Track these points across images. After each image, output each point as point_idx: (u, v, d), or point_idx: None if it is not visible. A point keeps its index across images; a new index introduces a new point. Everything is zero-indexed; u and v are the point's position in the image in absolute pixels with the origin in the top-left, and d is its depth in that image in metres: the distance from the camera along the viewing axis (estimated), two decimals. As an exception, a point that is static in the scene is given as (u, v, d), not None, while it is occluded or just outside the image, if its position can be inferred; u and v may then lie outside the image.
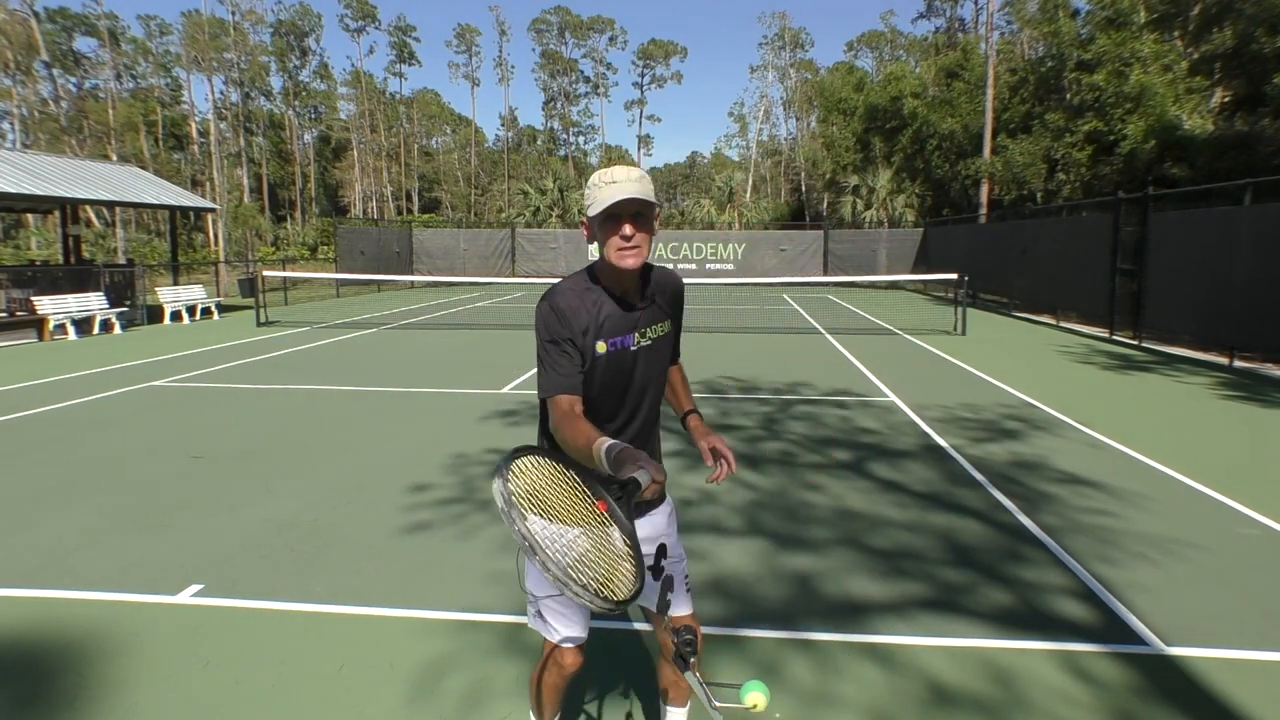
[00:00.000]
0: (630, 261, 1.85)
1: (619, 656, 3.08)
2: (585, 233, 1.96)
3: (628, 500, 1.47)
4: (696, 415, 2.18)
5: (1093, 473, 5.51)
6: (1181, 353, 11.42)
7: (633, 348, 1.94)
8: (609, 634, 3.24)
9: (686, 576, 2.15)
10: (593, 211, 1.85)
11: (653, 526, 2.06)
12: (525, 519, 1.37)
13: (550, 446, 1.92)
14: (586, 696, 2.80)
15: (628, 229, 1.82)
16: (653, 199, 1.85)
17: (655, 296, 2.01)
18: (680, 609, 2.12)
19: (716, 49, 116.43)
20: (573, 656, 2.11)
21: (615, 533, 1.44)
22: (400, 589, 3.68)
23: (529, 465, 1.45)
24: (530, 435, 6.63)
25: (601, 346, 1.89)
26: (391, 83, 74.75)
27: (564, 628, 2.05)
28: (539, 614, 2.07)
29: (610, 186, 1.81)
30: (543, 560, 1.35)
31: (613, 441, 1.64)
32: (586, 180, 1.93)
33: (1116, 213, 13.60)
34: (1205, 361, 10.67)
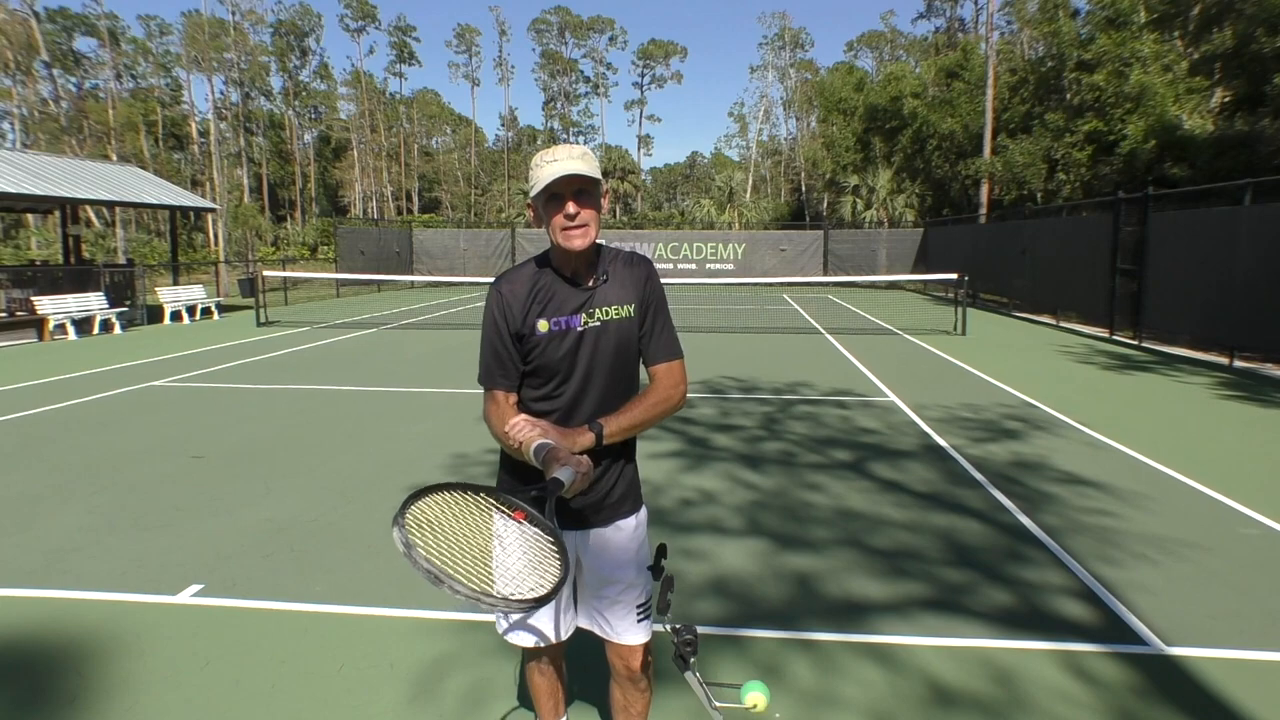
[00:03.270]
0: (577, 242, 1.79)
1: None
2: (531, 215, 1.91)
3: (549, 499, 1.54)
4: (590, 428, 1.82)
5: (1093, 473, 5.51)
6: (1181, 353, 11.41)
7: (578, 328, 1.86)
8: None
9: (639, 605, 2.00)
10: (534, 192, 1.80)
11: (613, 549, 1.96)
12: (423, 557, 1.47)
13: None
14: (587, 696, 2.80)
15: (571, 207, 1.77)
16: (595, 174, 1.78)
17: (614, 277, 1.90)
18: (631, 638, 2.00)
19: (716, 49, 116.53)
20: (533, 657, 2.11)
21: (536, 532, 1.51)
22: (400, 589, 3.68)
23: (424, 506, 1.54)
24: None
25: (544, 325, 1.85)
26: (391, 83, 74.88)
27: (520, 629, 2.05)
28: (503, 615, 2.06)
29: (550, 165, 1.77)
30: (449, 586, 1.45)
31: (542, 441, 1.69)
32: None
33: (1116, 213, 13.60)
34: (1205, 361, 10.67)
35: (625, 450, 1.98)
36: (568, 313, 1.86)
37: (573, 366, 1.87)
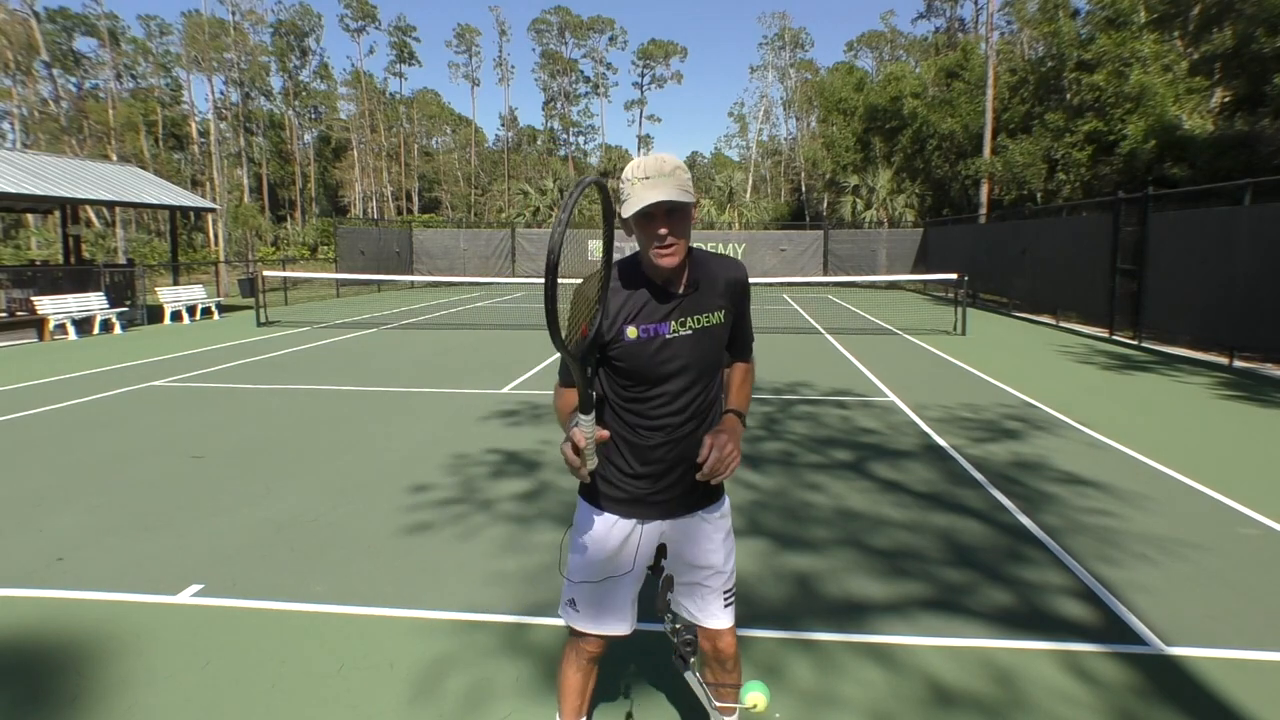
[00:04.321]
0: (668, 261, 1.81)
1: (620, 656, 3.07)
2: (620, 224, 1.87)
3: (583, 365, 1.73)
4: (734, 415, 2.00)
5: (1093, 473, 5.51)
6: (1181, 353, 11.42)
7: (667, 335, 1.89)
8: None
9: (726, 592, 2.13)
10: (626, 212, 1.80)
11: (701, 537, 2.06)
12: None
13: (611, 415, 1.97)
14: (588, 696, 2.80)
15: (662, 230, 1.78)
16: (688, 197, 1.78)
17: (705, 285, 1.93)
18: (718, 621, 2.13)
19: (716, 49, 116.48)
20: (594, 648, 2.11)
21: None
22: (400, 589, 3.68)
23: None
24: (530, 435, 6.64)
25: (632, 331, 1.88)
26: (391, 83, 74.89)
27: (592, 618, 2.06)
28: (571, 602, 2.08)
29: (643, 185, 1.76)
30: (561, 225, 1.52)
31: (582, 415, 1.79)
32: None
33: (1116, 213, 13.60)
34: (1205, 361, 10.67)
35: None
36: (657, 320, 1.89)
37: (664, 372, 1.91)
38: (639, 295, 1.89)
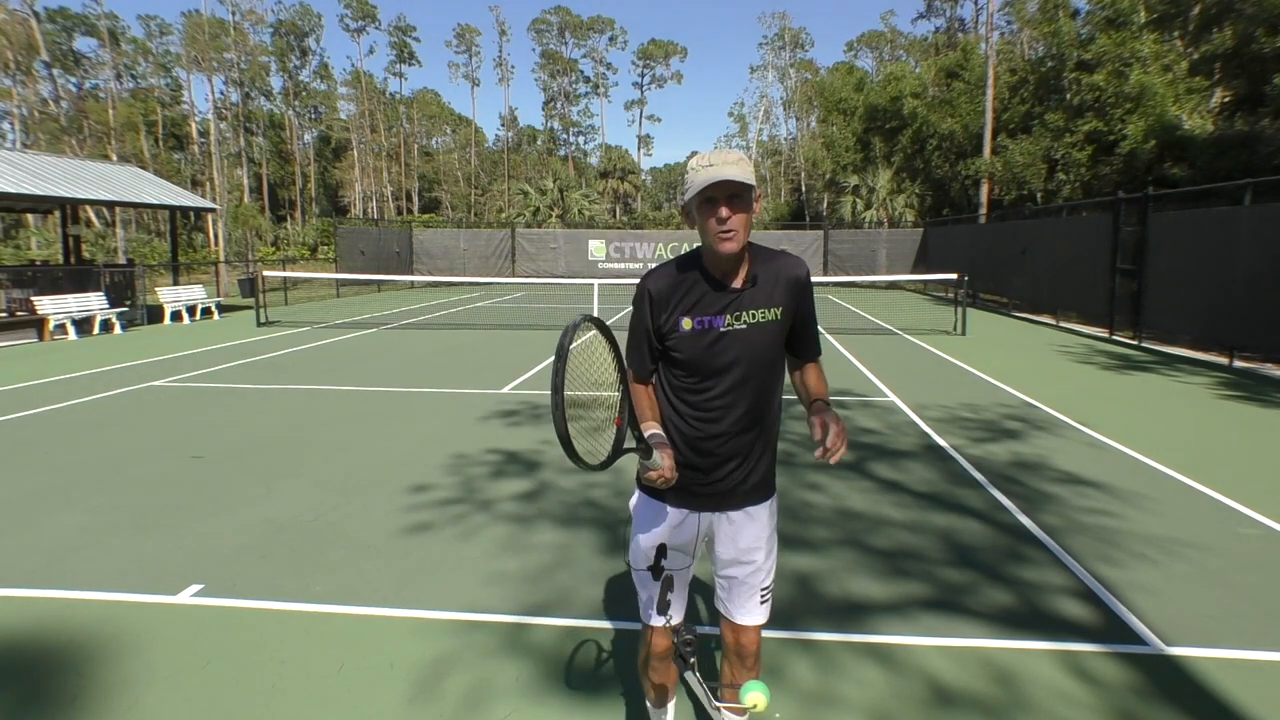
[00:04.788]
0: (729, 245, 1.83)
1: (620, 656, 3.08)
2: (683, 218, 1.95)
3: (638, 448, 1.83)
4: (821, 402, 1.97)
5: (1093, 473, 5.51)
6: (1181, 353, 11.41)
7: (721, 328, 1.90)
8: (613, 633, 3.24)
9: (764, 589, 2.11)
10: (689, 195, 1.84)
11: (747, 532, 2.06)
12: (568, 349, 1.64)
13: (667, 404, 2.02)
14: (588, 696, 2.80)
15: (724, 211, 1.81)
16: (750, 180, 1.81)
17: (764, 281, 1.93)
18: (750, 618, 2.11)
19: (716, 49, 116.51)
20: (659, 637, 2.15)
21: (612, 433, 1.82)
22: (400, 589, 3.68)
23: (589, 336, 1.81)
24: (530, 435, 6.64)
25: (687, 323, 1.91)
26: (391, 83, 74.86)
27: (647, 606, 2.12)
28: (638, 592, 2.14)
29: (706, 170, 1.80)
30: (559, 371, 1.63)
31: (655, 431, 1.89)
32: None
33: (1116, 213, 13.60)
34: (1205, 361, 10.67)
35: (764, 440, 2.04)
36: (712, 313, 1.91)
37: (717, 365, 1.93)
38: (697, 287, 1.91)
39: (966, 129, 33.67)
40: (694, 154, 2.01)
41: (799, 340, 2.03)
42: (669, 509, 2.03)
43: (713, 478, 1.99)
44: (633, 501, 2.12)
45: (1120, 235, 13.42)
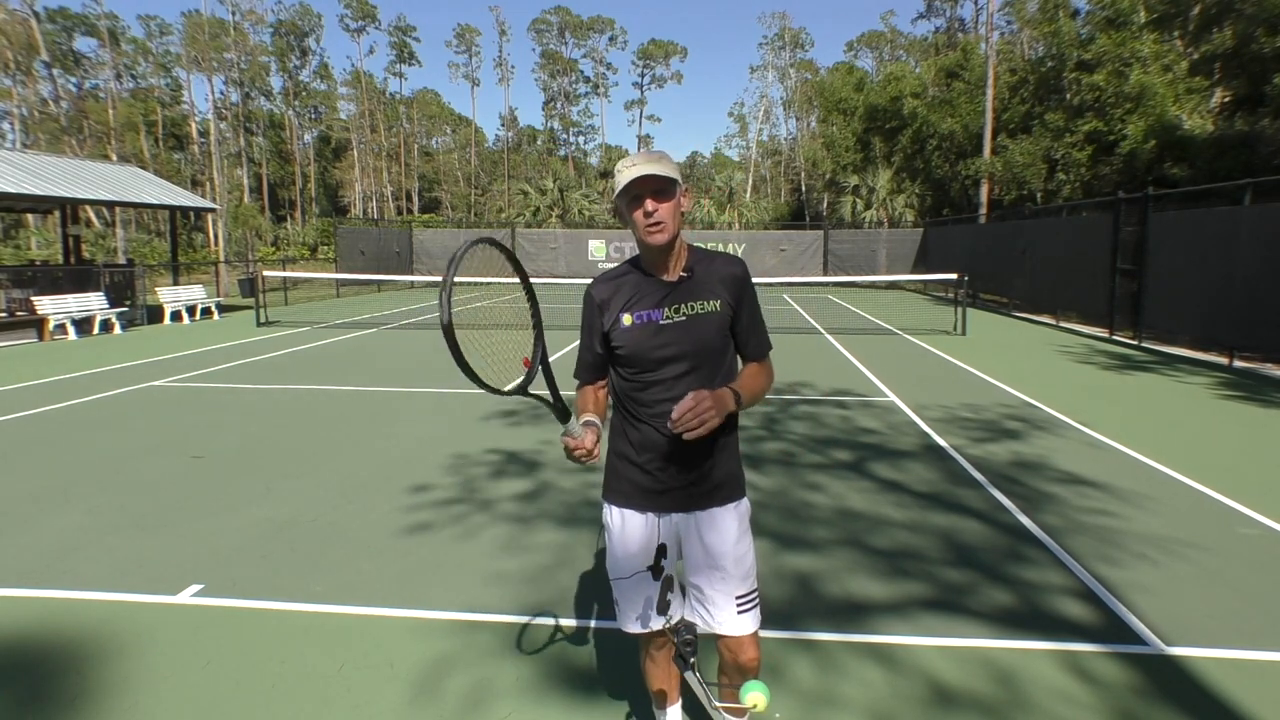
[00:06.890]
0: (658, 237, 1.89)
1: (620, 656, 3.07)
2: (617, 218, 2.05)
3: (555, 406, 1.93)
4: (729, 389, 1.89)
5: (1093, 473, 5.51)
6: (1181, 353, 11.41)
7: (660, 321, 1.95)
8: (613, 633, 3.24)
9: (739, 597, 2.03)
10: (616, 195, 1.91)
11: (711, 536, 2.04)
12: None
13: (620, 409, 2.07)
14: (588, 696, 2.80)
15: (649, 204, 1.86)
16: (671, 174, 1.86)
17: (701, 275, 1.98)
18: (730, 628, 2.04)
19: (716, 49, 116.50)
20: (646, 642, 2.17)
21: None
22: (400, 589, 3.68)
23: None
24: (530, 435, 6.64)
25: (628, 319, 1.97)
26: (391, 83, 74.90)
27: (624, 616, 2.12)
28: (616, 603, 2.14)
29: (630, 169, 1.87)
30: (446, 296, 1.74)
31: (590, 418, 1.97)
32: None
33: (1116, 213, 13.60)
34: (1205, 361, 10.67)
35: (721, 436, 2.00)
36: (650, 306, 1.97)
37: (658, 357, 1.96)
38: (635, 285, 1.99)
39: (966, 129, 33.68)
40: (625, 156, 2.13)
41: (740, 337, 2.05)
42: (633, 514, 2.04)
43: (666, 474, 1.99)
44: (603, 514, 2.12)
45: (1120, 235, 13.42)
